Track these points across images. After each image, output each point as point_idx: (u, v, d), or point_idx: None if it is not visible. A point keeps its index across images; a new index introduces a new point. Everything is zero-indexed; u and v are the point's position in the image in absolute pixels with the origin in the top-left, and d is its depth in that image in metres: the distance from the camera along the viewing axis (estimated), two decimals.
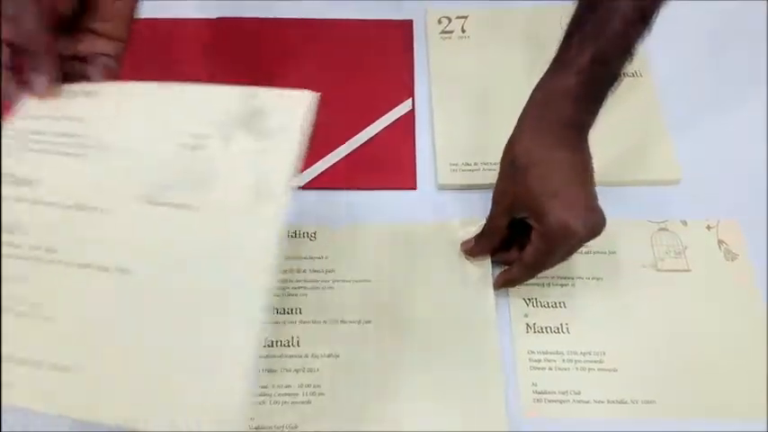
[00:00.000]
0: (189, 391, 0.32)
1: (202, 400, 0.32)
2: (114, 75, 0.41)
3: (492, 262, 0.52)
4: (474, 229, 0.53)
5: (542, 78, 0.47)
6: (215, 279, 0.34)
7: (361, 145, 0.58)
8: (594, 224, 0.44)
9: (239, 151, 0.37)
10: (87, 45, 0.41)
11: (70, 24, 0.40)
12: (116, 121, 0.39)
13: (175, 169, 0.37)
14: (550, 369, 0.48)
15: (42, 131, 0.39)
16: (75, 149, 0.38)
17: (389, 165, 0.57)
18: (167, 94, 0.40)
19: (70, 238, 0.36)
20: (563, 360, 0.49)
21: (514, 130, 0.47)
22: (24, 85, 0.40)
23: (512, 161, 0.47)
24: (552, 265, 0.47)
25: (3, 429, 0.46)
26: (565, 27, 0.48)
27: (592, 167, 0.47)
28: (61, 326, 0.34)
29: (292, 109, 0.39)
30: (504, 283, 0.50)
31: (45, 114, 0.39)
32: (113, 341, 0.33)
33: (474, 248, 0.52)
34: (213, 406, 0.31)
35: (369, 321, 0.50)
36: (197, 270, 0.34)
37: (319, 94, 0.41)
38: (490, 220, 0.50)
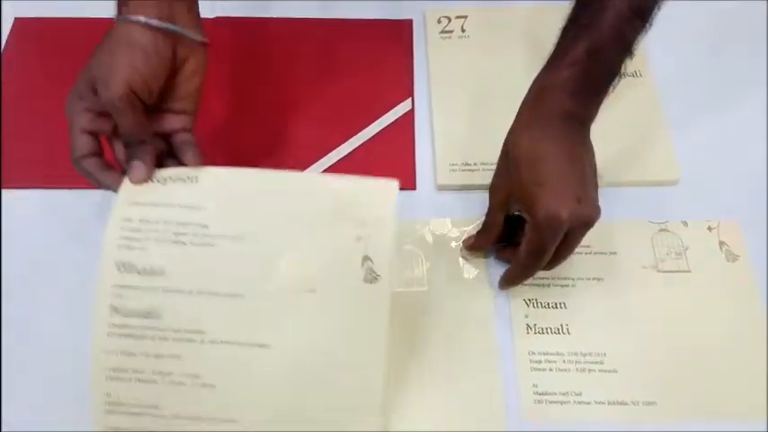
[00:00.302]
0: None
1: None
2: (202, 157, 0.46)
3: (496, 261, 0.52)
4: (471, 227, 0.53)
5: (539, 73, 0.47)
6: (338, 349, 0.41)
7: (360, 145, 0.58)
8: (583, 214, 0.44)
9: (344, 239, 0.41)
10: (166, 123, 0.46)
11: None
12: (231, 211, 0.43)
13: (297, 258, 0.42)
14: (551, 370, 0.48)
15: (157, 220, 0.42)
16: (200, 239, 0.42)
17: (389, 165, 0.57)
18: (269, 184, 0.44)
19: (213, 321, 0.41)
20: (563, 361, 0.48)
21: (512, 125, 0.48)
22: (116, 171, 0.44)
23: (506, 153, 0.47)
24: (547, 259, 0.46)
25: (3, 429, 0.45)
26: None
27: (590, 160, 0.47)
28: (220, 391, 0.41)
29: (383, 198, 0.44)
30: (504, 283, 0.50)
31: (156, 202, 0.43)
32: (261, 401, 0.41)
33: (473, 243, 0.52)
34: None
35: None
36: (323, 342, 0.41)
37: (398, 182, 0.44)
38: (487, 215, 0.51)
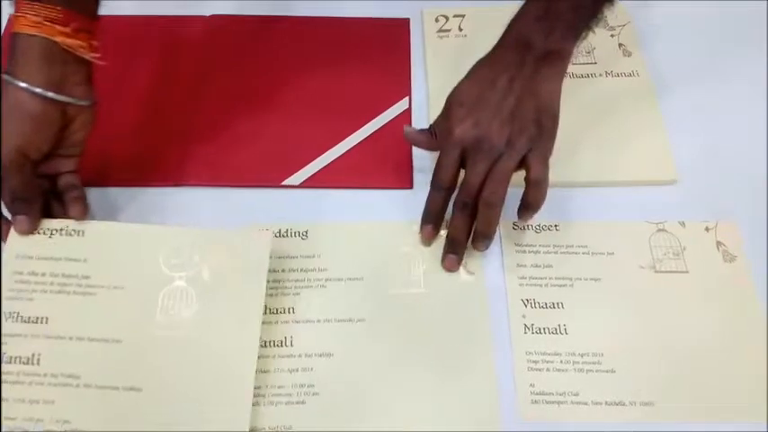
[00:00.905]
0: None
1: None
2: (86, 207, 0.49)
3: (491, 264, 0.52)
4: None
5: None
6: (204, 385, 0.44)
7: (357, 144, 0.58)
8: (473, 136, 0.47)
9: (216, 283, 0.47)
10: (53, 165, 0.49)
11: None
12: (112, 262, 0.47)
13: (172, 302, 0.46)
14: (548, 370, 0.48)
15: (44, 272, 0.46)
16: (83, 289, 0.46)
17: (385, 163, 0.57)
18: (150, 236, 0.48)
19: (90, 366, 0.44)
20: (561, 361, 0.48)
21: None
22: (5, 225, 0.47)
23: (446, 100, 0.50)
24: (449, 179, 0.49)
25: (3, 430, 0.45)
26: None
27: (538, 96, 0.48)
28: None
29: (257, 248, 0.48)
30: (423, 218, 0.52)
31: (43, 255, 0.47)
32: None
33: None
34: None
35: (362, 320, 0.49)
36: (192, 376, 0.44)
37: (272, 232, 0.50)
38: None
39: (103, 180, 0.55)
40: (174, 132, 0.58)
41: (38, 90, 0.45)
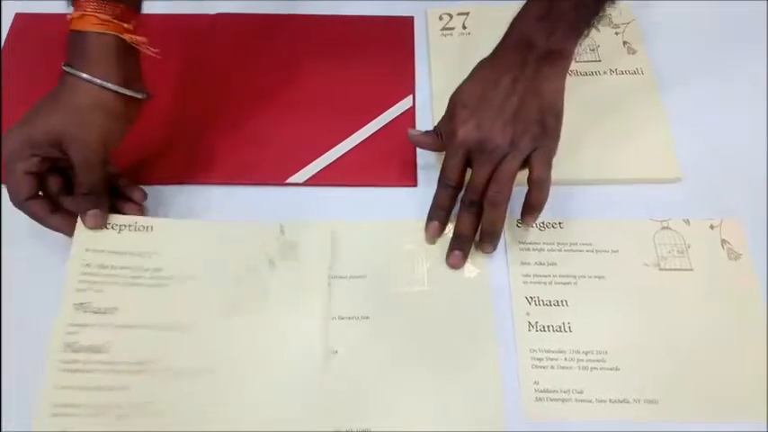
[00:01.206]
0: None
1: None
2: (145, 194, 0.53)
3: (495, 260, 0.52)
4: None
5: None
6: (279, 363, 0.47)
7: (361, 142, 0.58)
8: (475, 138, 0.48)
9: (282, 272, 0.49)
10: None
11: None
12: (183, 255, 0.49)
13: (239, 291, 0.49)
14: (552, 368, 0.48)
15: (114, 266, 0.48)
16: (155, 281, 0.48)
17: (390, 162, 0.57)
18: (218, 230, 0.51)
19: (164, 351, 0.46)
20: (565, 359, 0.48)
21: None
22: (65, 214, 0.49)
23: (450, 100, 0.51)
24: (455, 178, 0.50)
25: (3, 430, 0.45)
26: None
27: (541, 96, 0.48)
28: (168, 418, 0.44)
29: (316, 238, 0.51)
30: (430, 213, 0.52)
31: (113, 250, 0.49)
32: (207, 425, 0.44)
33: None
34: None
35: (366, 318, 0.49)
36: (264, 359, 0.46)
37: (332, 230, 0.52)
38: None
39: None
40: (178, 131, 0.58)
41: (116, 87, 0.47)
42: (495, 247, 0.51)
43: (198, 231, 0.51)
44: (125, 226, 0.50)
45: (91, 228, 0.49)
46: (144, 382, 0.45)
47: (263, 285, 0.49)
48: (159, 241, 0.50)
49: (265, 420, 0.45)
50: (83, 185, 0.47)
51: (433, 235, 0.52)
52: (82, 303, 0.47)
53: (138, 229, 0.50)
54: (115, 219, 0.50)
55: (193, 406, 0.45)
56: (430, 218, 0.52)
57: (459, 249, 0.51)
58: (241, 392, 0.45)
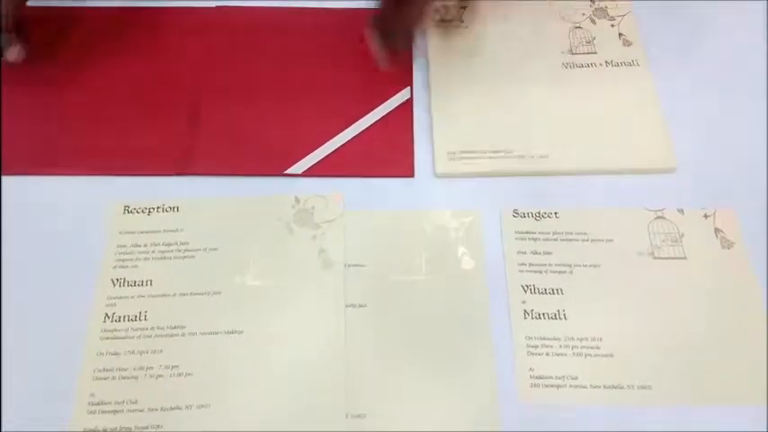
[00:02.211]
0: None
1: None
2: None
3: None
4: (468, 219, 0.54)
5: None
6: (300, 321, 0.50)
7: (359, 133, 0.58)
8: None
9: (301, 239, 0.53)
10: None
11: None
12: (207, 229, 0.54)
13: (261, 258, 0.52)
14: (547, 354, 0.48)
15: (146, 243, 0.53)
16: (182, 254, 0.52)
17: (387, 153, 0.57)
18: (236, 206, 0.55)
19: (193, 317, 0.50)
20: (560, 346, 0.49)
21: None
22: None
23: None
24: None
25: (3, 430, 0.46)
26: (564, 16, 0.48)
27: None
28: (198, 378, 0.47)
29: (329, 206, 0.54)
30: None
31: (143, 229, 0.53)
32: (236, 382, 0.47)
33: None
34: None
35: (364, 305, 0.50)
36: (288, 319, 0.50)
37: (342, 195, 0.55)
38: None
39: (109, 169, 0.56)
40: (175, 121, 0.59)
41: None
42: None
43: (219, 207, 0.54)
44: (154, 209, 0.54)
45: (16, 61, 0.55)
46: (175, 345, 0.49)
47: (283, 251, 0.52)
48: (185, 219, 0.54)
49: (284, 379, 0.48)
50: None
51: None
52: (118, 279, 0.51)
53: (166, 210, 0.54)
54: (146, 203, 0.55)
55: (218, 365, 0.48)
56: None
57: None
58: (268, 350, 0.49)
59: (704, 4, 0.66)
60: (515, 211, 0.54)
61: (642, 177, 0.56)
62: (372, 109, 0.60)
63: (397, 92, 0.61)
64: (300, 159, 0.57)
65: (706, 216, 0.54)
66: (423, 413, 0.47)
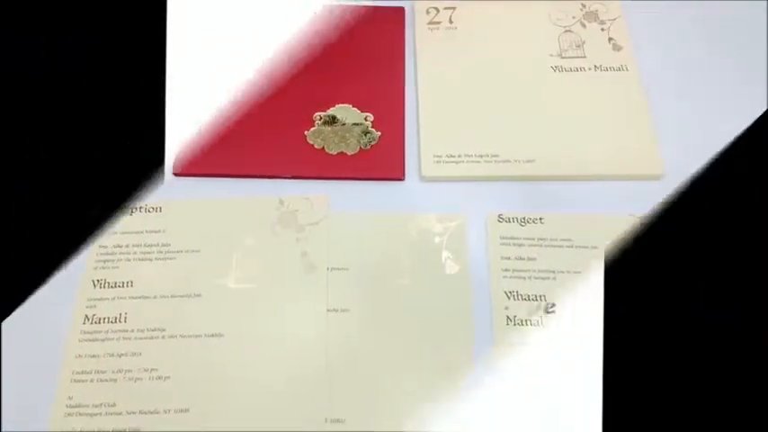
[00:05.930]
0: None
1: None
2: None
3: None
4: (453, 223, 0.53)
5: None
6: (280, 324, 0.49)
7: None
8: None
9: (285, 242, 0.52)
10: None
11: None
12: (188, 231, 0.53)
13: (243, 260, 0.52)
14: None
15: (128, 244, 0.52)
16: (164, 255, 0.52)
17: (377, 155, 0.57)
18: (219, 208, 0.54)
19: (173, 319, 0.49)
20: None
21: None
22: None
23: None
24: None
25: (3, 429, 0.46)
26: (554, 20, 0.47)
27: None
28: (177, 381, 0.47)
29: (314, 208, 0.54)
30: None
31: (125, 230, 0.53)
32: (216, 386, 0.47)
33: None
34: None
35: (346, 310, 0.50)
36: (269, 323, 0.49)
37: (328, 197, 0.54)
38: None
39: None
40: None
41: None
42: None
43: (201, 208, 0.54)
44: (136, 209, 0.53)
45: None
46: (155, 348, 0.48)
47: (266, 253, 0.52)
48: (167, 220, 0.53)
49: (264, 383, 0.47)
50: None
51: None
52: (99, 280, 0.50)
53: (148, 211, 0.54)
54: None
55: (198, 368, 0.48)
56: None
57: None
58: (249, 353, 0.48)
59: (695, 9, 0.65)
60: (500, 216, 0.54)
61: (629, 183, 0.56)
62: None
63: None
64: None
65: None
66: (401, 417, 0.46)
